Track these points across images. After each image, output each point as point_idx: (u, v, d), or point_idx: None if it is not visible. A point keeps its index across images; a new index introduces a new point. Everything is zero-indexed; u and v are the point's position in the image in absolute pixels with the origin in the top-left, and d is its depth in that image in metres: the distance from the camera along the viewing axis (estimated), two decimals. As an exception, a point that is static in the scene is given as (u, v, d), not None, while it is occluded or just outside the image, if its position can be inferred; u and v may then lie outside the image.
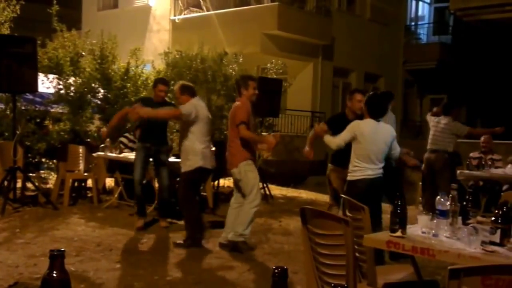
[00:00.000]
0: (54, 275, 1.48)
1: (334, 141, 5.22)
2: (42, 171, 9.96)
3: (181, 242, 6.06)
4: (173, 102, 7.34)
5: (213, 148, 8.73)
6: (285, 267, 1.42)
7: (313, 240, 3.18)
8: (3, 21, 9.51)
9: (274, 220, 7.92)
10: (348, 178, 5.17)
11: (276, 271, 1.41)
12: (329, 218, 3.15)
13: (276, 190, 10.84)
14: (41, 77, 8.98)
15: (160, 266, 5.31)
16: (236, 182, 6.04)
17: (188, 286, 4.79)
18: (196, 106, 6.00)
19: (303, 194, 11.23)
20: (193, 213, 6.15)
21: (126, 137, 8.79)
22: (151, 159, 7.08)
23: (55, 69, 9.99)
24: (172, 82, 11.21)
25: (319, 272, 3.19)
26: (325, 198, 8.86)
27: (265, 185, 10.00)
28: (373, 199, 4.90)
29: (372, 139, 5.04)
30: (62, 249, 1.50)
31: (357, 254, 3.23)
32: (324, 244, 3.11)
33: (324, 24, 16.36)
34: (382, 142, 5.08)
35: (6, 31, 9.46)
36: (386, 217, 4.15)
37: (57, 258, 1.48)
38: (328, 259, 3.11)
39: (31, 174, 8.75)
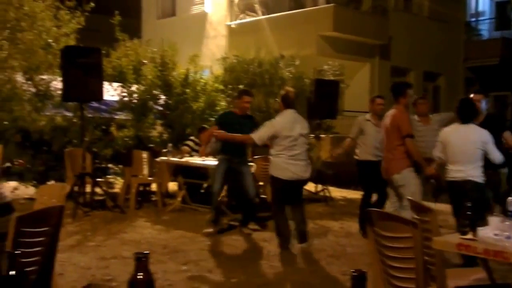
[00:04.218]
0: (141, 276, 1.57)
1: None
2: (108, 176, 10.29)
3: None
4: (253, 116, 7.48)
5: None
6: (364, 270, 1.44)
7: (380, 243, 3.17)
8: (69, 32, 9.86)
9: (335, 222, 7.90)
10: None
11: (355, 274, 1.43)
12: (396, 221, 3.12)
13: (336, 192, 10.78)
14: (105, 85, 9.27)
15: (225, 267, 5.41)
16: (395, 188, 6.04)
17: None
18: (275, 125, 5.98)
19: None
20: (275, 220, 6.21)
21: (192, 140, 9.05)
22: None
23: (119, 77, 10.30)
24: (230, 86, 11.40)
25: (387, 275, 3.17)
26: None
27: (324, 187, 9.98)
28: None
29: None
30: (147, 251, 1.59)
31: (425, 257, 3.19)
32: (392, 246, 3.09)
33: (380, 24, 16.14)
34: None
35: (72, 42, 9.77)
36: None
37: (142, 260, 1.57)
38: (396, 262, 3.09)
39: (99, 179, 9.05)
